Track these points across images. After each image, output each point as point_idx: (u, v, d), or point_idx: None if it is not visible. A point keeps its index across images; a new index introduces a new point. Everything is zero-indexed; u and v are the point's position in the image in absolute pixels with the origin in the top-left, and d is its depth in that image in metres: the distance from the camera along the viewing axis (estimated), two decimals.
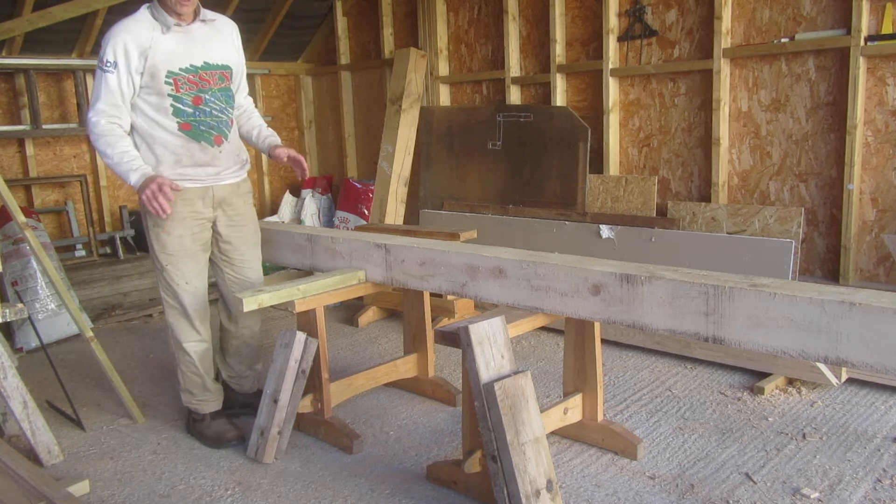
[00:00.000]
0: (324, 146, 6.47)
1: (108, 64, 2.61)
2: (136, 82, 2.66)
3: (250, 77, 6.03)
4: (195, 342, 2.95)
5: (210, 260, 3.00)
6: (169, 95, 2.68)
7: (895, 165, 3.55)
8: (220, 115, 2.82)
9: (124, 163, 2.64)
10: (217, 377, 3.17)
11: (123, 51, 2.61)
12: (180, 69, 2.68)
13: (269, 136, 3.08)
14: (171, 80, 2.67)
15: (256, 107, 6.09)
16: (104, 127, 2.64)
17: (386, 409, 3.29)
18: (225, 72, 2.83)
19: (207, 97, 2.76)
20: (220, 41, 2.83)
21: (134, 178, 2.62)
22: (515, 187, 4.82)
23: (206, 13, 2.80)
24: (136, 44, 2.62)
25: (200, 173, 2.81)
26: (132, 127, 2.74)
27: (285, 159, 2.99)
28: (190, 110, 2.74)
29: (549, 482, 2.23)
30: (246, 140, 3.09)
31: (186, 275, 2.85)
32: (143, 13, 2.69)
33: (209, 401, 3.04)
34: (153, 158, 2.75)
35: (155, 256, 2.86)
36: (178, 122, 2.73)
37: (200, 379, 2.99)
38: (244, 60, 3.00)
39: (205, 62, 2.74)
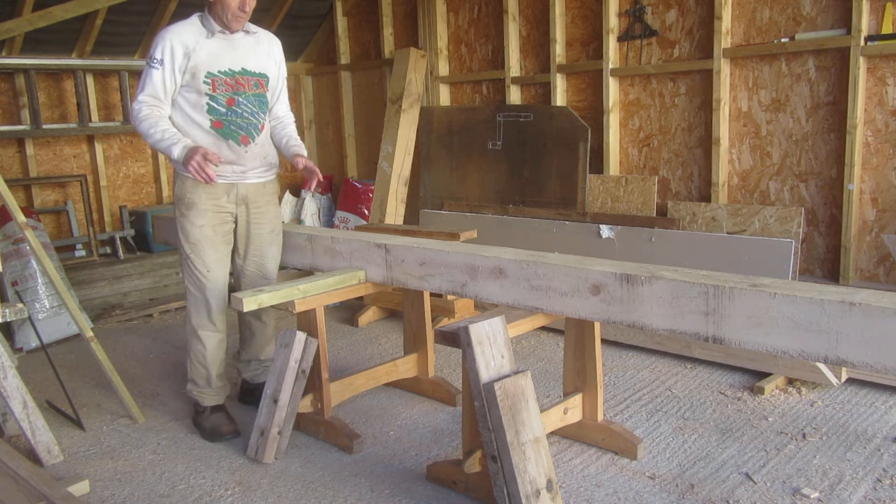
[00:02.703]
0: (324, 146, 6.47)
1: (156, 61, 2.85)
2: (178, 80, 2.87)
3: None
4: (209, 332, 3.05)
5: (232, 254, 3.15)
6: (206, 94, 2.89)
7: (895, 165, 3.55)
8: (250, 117, 3.00)
9: (166, 139, 2.82)
10: (224, 374, 3.21)
11: (170, 50, 2.83)
12: (219, 71, 2.90)
13: (296, 146, 3.22)
14: (209, 81, 2.88)
15: None
16: (146, 111, 2.85)
17: (386, 409, 3.29)
18: (261, 80, 3.02)
19: (240, 100, 2.95)
20: (259, 52, 3.03)
21: (177, 152, 2.80)
22: (515, 187, 4.82)
23: (250, 26, 3.01)
24: (181, 45, 2.84)
25: (227, 170, 2.97)
26: (171, 121, 2.94)
27: (301, 167, 3.10)
28: (223, 110, 2.92)
29: (549, 482, 2.23)
30: (277, 146, 3.22)
31: (208, 263, 2.99)
32: (194, 19, 2.93)
33: (210, 395, 3.11)
34: None
35: (181, 246, 3.02)
36: (210, 120, 2.92)
37: (206, 371, 3.07)
38: (285, 75, 3.20)
39: (242, 68, 2.96)
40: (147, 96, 2.85)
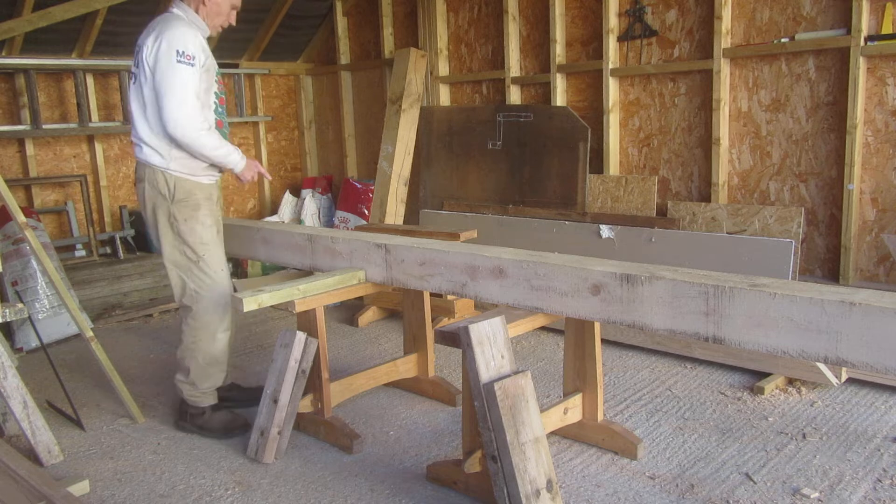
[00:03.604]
0: (324, 146, 6.47)
1: (193, 59, 2.71)
2: None
3: (251, 77, 6.04)
4: (225, 331, 3.02)
5: None
6: (215, 93, 2.89)
7: (895, 165, 3.55)
8: (224, 112, 3.04)
9: (233, 151, 2.90)
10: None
11: (200, 47, 2.77)
12: (218, 70, 2.94)
13: None
14: (217, 79, 2.91)
15: (257, 107, 6.11)
16: (203, 123, 2.77)
17: (386, 409, 3.29)
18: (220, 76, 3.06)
19: (223, 97, 3.00)
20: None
21: (241, 164, 2.94)
22: (515, 187, 4.82)
23: None
24: (202, 42, 2.80)
25: (216, 169, 3.00)
26: None
27: None
28: (220, 108, 2.96)
29: (549, 482, 2.23)
30: None
31: (221, 261, 2.99)
32: (180, 15, 2.81)
33: (211, 395, 3.09)
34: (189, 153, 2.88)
35: (190, 250, 2.90)
36: (215, 119, 2.92)
37: (221, 371, 3.05)
38: None
39: (218, 66, 2.98)
40: (196, 100, 2.72)
